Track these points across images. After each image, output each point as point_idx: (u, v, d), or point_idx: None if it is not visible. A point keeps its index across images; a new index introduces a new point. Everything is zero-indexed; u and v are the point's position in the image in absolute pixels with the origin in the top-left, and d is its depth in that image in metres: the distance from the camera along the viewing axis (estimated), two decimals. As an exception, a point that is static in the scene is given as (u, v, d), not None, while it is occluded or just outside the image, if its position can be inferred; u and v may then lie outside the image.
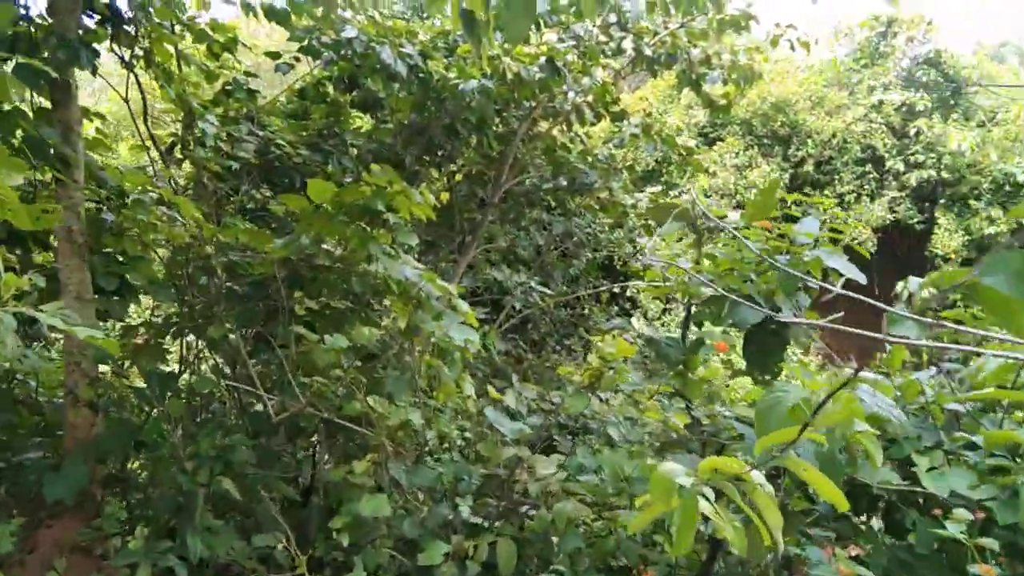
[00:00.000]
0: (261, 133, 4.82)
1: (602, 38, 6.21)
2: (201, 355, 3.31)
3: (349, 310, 3.08)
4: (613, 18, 6.51)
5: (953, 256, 10.84)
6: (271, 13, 4.94)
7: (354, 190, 2.81)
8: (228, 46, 5.14)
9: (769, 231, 2.68)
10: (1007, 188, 10.93)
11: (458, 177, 5.39)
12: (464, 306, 3.29)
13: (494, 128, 6.33)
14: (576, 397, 3.19)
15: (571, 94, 5.63)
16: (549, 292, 5.07)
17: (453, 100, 5.49)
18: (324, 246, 3.06)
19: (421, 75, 5.35)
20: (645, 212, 6.13)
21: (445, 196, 3.46)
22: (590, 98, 5.94)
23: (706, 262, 2.79)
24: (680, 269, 2.59)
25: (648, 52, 6.30)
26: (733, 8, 6.52)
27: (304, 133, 5.68)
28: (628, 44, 6.25)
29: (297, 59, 5.50)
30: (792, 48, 6.77)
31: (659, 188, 6.68)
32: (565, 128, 6.44)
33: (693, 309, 2.77)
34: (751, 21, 6.46)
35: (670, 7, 6.76)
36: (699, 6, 6.78)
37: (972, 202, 11.01)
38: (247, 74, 5.19)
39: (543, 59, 5.01)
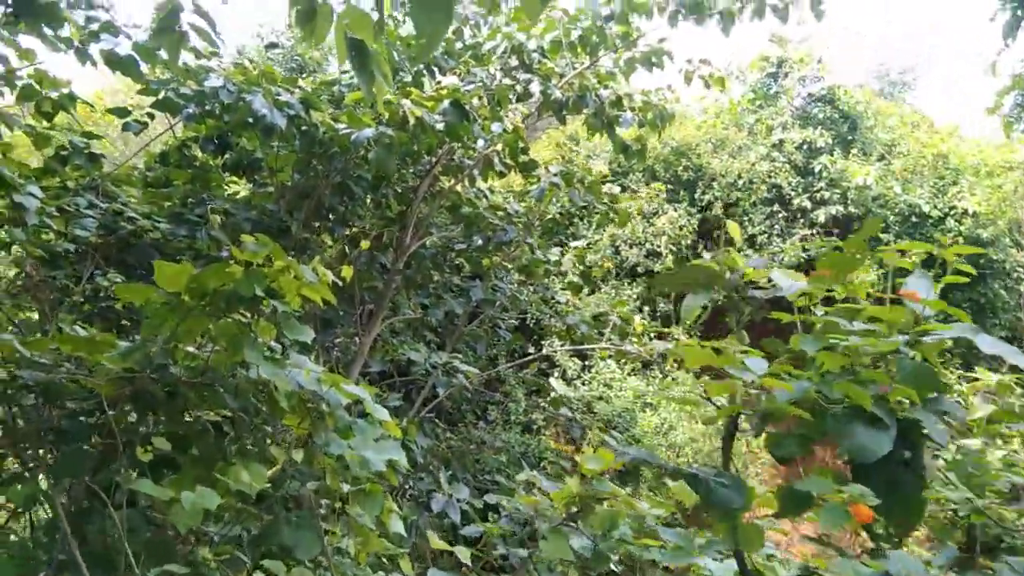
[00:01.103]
0: (105, 206, 3.98)
1: (507, 81, 5.72)
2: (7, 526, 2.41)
3: (225, 439, 2.29)
4: (515, 61, 6.06)
5: (871, 290, 10.86)
6: (114, 63, 4.15)
7: (220, 272, 2.07)
8: (63, 103, 4.31)
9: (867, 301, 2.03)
10: (913, 219, 11.13)
11: (364, 244, 4.69)
12: (382, 413, 2.56)
13: (393, 187, 5.68)
14: (555, 538, 2.48)
15: (480, 142, 5.07)
16: (475, 371, 4.39)
17: (344, 154, 4.81)
18: (188, 349, 2.29)
19: (304, 127, 4.66)
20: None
21: (348, 271, 2.72)
22: (499, 147, 5.40)
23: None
24: (737, 377, 1.85)
25: (557, 94, 5.85)
26: (644, 45, 6.20)
27: (167, 203, 4.85)
28: (535, 87, 5.78)
29: (152, 116, 4.70)
30: (707, 86, 6.50)
31: (581, 243, 6.17)
32: (467, 183, 5.86)
33: (744, 424, 2.02)
34: (664, 57, 6.15)
35: (577, 47, 6.42)
36: (608, 44, 6.47)
37: (882, 235, 11.14)
38: (87, 135, 4.35)
39: (447, 103, 4.42)
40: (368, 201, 5.77)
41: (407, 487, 4.35)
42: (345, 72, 6.07)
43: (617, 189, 5.62)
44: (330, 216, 5.53)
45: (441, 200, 5.90)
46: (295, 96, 4.51)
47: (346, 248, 5.76)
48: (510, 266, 5.94)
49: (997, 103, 5.05)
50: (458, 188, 5.81)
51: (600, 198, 5.31)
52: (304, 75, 11.14)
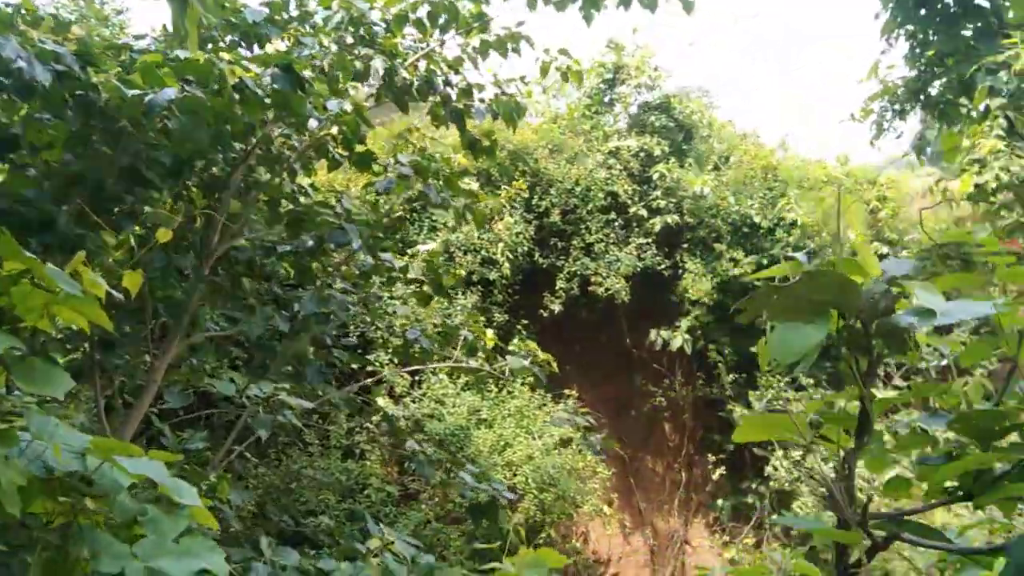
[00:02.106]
0: None
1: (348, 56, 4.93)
2: None
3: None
4: (352, 38, 5.27)
5: (706, 299, 11.06)
6: None
7: None
8: None
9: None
10: (745, 229, 11.48)
11: (163, 235, 3.70)
12: (188, 495, 1.75)
13: (198, 174, 4.71)
14: None
15: (313, 123, 4.25)
16: (305, 403, 3.56)
17: (135, 128, 3.82)
18: None
19: (80, 91, 3.64)
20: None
21: (134, 279, 1.86)
22: (335, 131, 4.59)
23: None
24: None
25: (404, 74, 5.14)
26: (500, 28, 5.64)
27: None
28: (379, 64, 5.03)
29: None
30: (565, 78, 6.06)
31: (431, 246, 5.48)
32: (288, 176, 4.99)
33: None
34: (522, 43, 5.62)
35: (425, 24, 5.74)
36: (461, 23, 5.85)
37: (716, 245, 11.39)
38: None
39: (275, 68, 3.59)
40: (164, 192, 4.76)
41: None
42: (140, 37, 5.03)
43: (475, 185, 5.01)
44: (115, 209, 4.47)
45: (257, 193, 5.00)
46: (67, 47, 3.49)
47: (135, 249, 4.70)
48: (344, 272, 5.13)
49: (867, 109, 5.04)
50: (277, 182, 4.93)
51: (458, 194, 4.66)
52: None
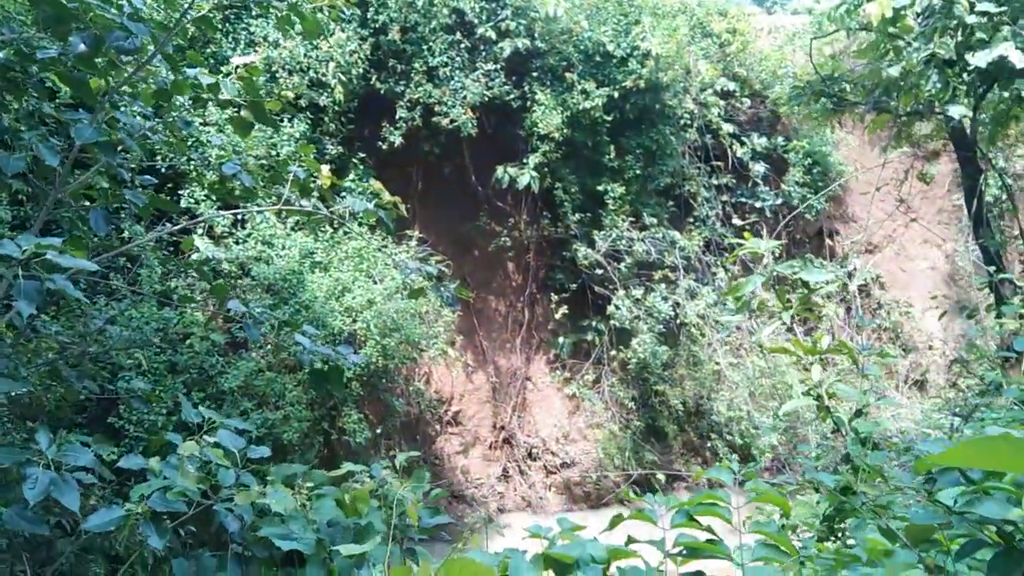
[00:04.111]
0: None
1: None
2: None
3: None
4: None
5: (555, 134, 10.53)
6: None
7: None
8: None
9: None
10: (597, 58, 10.87)
11: None
12: None
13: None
14: None
15: None
16: (88, 263, 2.69)
17: None
18: None
19: None
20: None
21: None
22: None
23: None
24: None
25: None
26: None
27: None
28: None
29: None
30: None
31: (249, 58, 4.45)
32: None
33: None
34: None
35: None
36: None
37: (567, 75, 10.74)
38: None
39: None
40: None
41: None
42: None
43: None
44: None
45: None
46: None
47: None
48: (140, 92, 4.07)
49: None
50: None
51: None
52: None
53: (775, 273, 4.02)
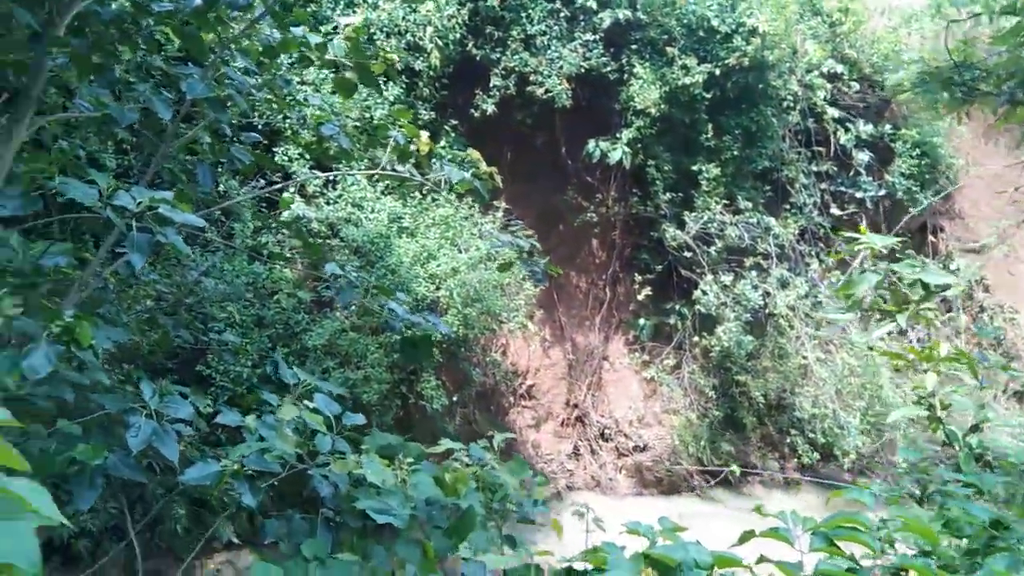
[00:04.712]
0: None
1: None
2: None
3: None
4: None
5: (652, 109, 10.27)
6: None
7: None
8: None
9: None
10: (700, 33, 10.53)
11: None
12: None
13: None
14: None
15: None
16: (196, 219, 2.72)
17: None
18: None
19: None
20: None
21: None
22: None
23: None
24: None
25: None
26: None
27: None
28: None
29: None
30: None
31: (355, 19, 4.45)
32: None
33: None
34: None
35: None
36: None
37: (668, 49, 10.45)
38: None
39: None
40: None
41: (90, 404, 2.76)
42: None
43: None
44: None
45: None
46: None
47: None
48: (247, 48, 4.10)
49: None
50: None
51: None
52: None
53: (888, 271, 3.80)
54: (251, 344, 7.73)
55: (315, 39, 4.02)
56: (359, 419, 2.77)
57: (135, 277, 5.22)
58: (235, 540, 7.26)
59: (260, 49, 4.08)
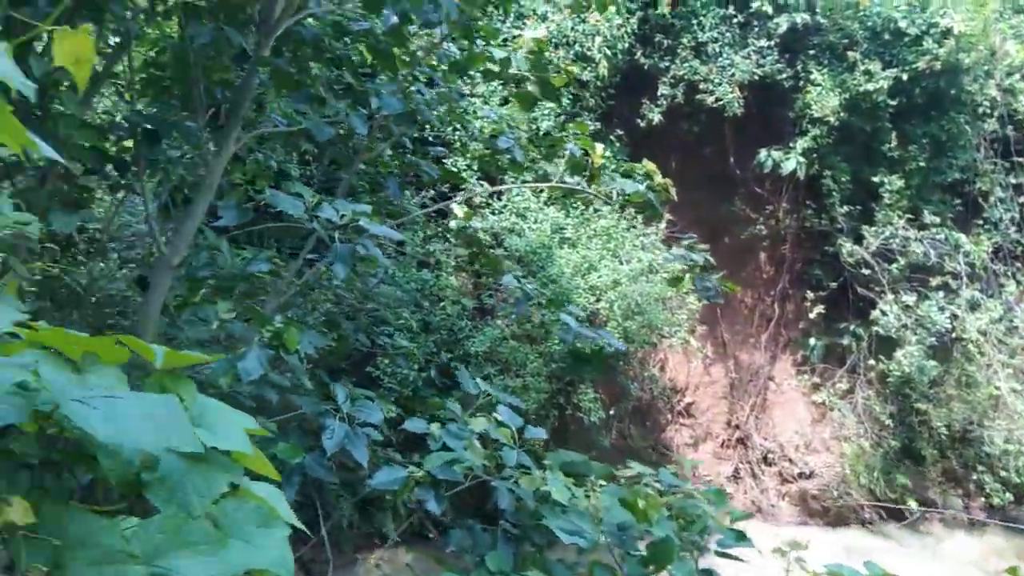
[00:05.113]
0: None
1: None
2: None
3: None
4: None
5: (831, 117, 9.77)
6: None
7: None
8: None
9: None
10: (886, 36, 9.90)
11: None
12: (229, 427, 1.06)
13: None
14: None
15: None
16: (392, 232, 2.84)
17: None
18: None
19: None
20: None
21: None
22: None
23: None
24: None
25: None
26: None
27: None
28: None
29: None
30: None
31: (537, 32, 4.50)
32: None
33: None
34: None
35: None
36: None
37: (849, 53, 9.90)
38: None
39: None
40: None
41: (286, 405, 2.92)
42: None
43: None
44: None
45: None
46: None
47: (181, 18, 3.88)
48: (426, 62, 4.24)
49: None
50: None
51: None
52: None
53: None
54: (418, 348, 8.00)
55: (499, 54, 4.10)
56: (540, 433, 2.78)
57: (320, 282, 5.52)
58: (396, 538, 7.53)
59: (442, 64, 4.21)
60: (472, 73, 4.91)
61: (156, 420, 0.88)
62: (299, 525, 1.22)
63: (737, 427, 11.04)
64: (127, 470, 0.94)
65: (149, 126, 3.83)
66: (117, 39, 4.38)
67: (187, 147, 4.55)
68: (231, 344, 2.87)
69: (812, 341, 11.09)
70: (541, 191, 9.57)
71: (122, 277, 6.11)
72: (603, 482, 2.40)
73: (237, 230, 3.82)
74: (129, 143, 4.29)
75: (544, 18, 10.13)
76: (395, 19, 3.55)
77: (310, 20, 4.31)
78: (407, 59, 4.34)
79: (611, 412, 9.65)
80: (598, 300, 9.01)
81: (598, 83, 10.03)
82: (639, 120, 10.34)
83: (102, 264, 5.13)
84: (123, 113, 5.21)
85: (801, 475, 10.59)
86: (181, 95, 4.36)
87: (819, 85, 9.95)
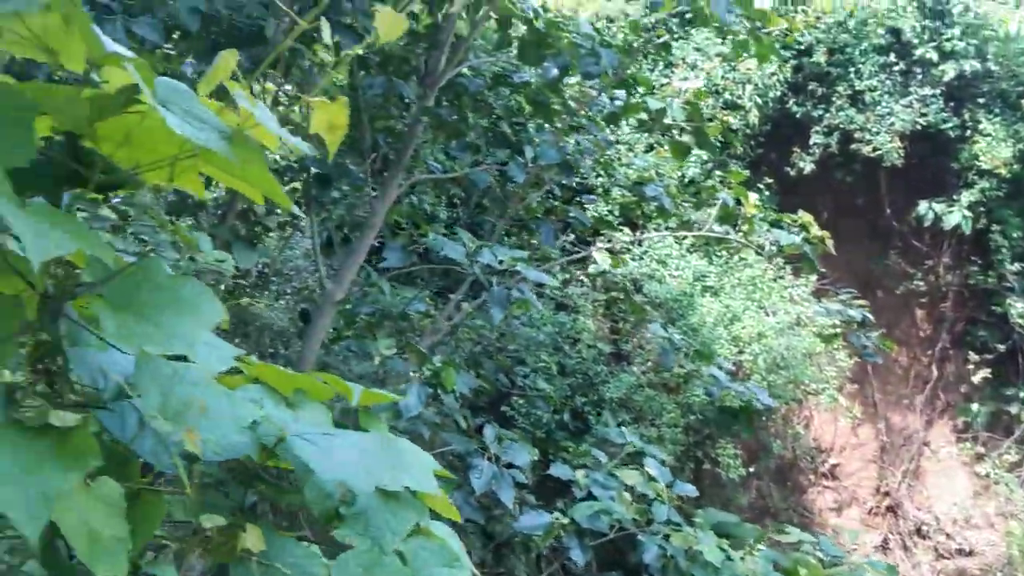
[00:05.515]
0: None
1: None
2: None
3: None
4: None
5: (1002, 170, 9.16)
6: None
7: None
8: None
9: None
10: (1066, 84, 9.26)
11: (391, 30, 3.06)
12: (420, 469, 1.12)
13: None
14: None
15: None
16: (547, 278, 2.91)
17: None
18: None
19: None
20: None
21: (334, 114, 1.13)
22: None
23: None
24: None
25: None
26: None
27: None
28: None
29: None
30: None
31: (696, 83, 4.50)
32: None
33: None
34: None
35: None
36: None
37: (1023, 102, 9.29)
38: None
39: None
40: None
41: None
42: None
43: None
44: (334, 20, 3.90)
45: (487, 11, 4.22)
46: None
47: (353, 69, 4.16)
48: (587, 114, 4.32)
49: None
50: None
51: (749, 11, 3.59)
52: None
53: None
54: (555, 391, 8.01)
55: (655, 104, 4.12)
56: (690, 489, 2.72)
57: (464, 322, 5.65)
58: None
59: (601, 114, 4.28)
60: (640, 124, 4.95)
61: (368, 458, 0.95)
62: (473, 570, 1.26)
63: (887, 494, 10.34)
64: (328, 503, 1.01)
65: (319, 171, 4.10)
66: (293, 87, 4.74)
67: (347, 189, 4.84)
68: (388, 379, 3.00)
69: (975, 407, 10.28)
70: (685, 238, 9.47)
71: (280, 308, 6.51)
72: (761, 546, 2.31)
73: (395, 270, 4.00)
74: (297, 184, 4.62)
75: (693, 66, 10.09)
76: (556, 71, 3.66)
77: (469, 71, 4.51)
78: (560, 108, 4.45)
79: (751, 469, 9.28)
80: (740, 352, 8.75)
81: (747, 131, 9.86)
82: (788, 168, 10.06)
83: (266, 297, 5.49)
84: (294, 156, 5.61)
85: (960, 552, 9.78)
86: (348, 141, 4.65)
87: (989, 135, 9.36)
